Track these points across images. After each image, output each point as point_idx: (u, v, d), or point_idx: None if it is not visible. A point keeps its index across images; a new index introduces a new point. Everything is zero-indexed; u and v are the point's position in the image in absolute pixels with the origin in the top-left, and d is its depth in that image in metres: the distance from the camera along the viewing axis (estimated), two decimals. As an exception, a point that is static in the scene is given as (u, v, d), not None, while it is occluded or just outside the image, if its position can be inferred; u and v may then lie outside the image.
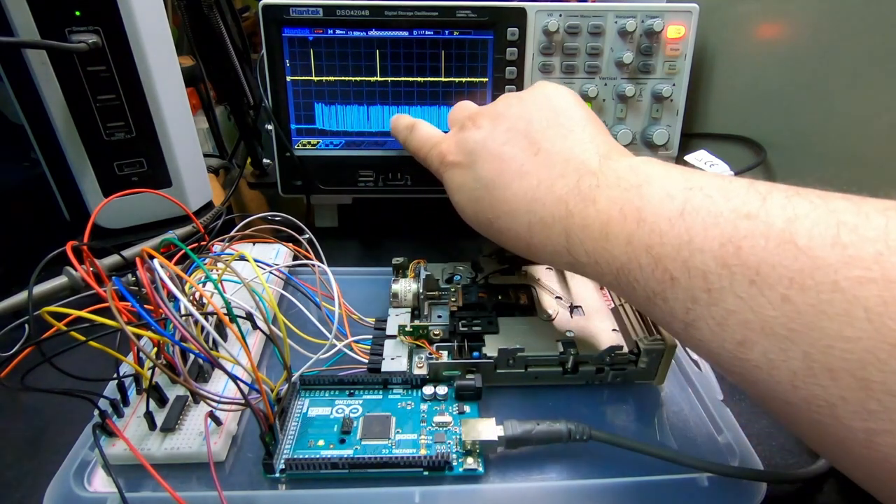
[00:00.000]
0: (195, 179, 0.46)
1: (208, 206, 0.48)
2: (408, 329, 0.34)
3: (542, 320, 0.34)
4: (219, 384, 0.31)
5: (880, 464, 0.16)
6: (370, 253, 0.48)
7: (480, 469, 0.27)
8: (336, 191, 0.47)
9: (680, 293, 0.20)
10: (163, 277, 0.24)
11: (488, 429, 0.27)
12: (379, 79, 0.44)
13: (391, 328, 0.35)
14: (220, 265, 0.35)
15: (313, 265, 0.39)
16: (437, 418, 0.29)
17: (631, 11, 0.44)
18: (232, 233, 0.42)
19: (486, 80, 0.45)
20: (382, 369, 0.32)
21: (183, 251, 0.28)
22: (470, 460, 0.27)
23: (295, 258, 0.43)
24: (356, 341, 0.35)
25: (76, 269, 0.27)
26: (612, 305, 0.36)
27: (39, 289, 0.34)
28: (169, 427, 0.28)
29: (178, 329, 0.24)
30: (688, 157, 0.45)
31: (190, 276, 0.26)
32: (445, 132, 0.36)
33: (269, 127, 0.45)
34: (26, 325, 0.27)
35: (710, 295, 0.19)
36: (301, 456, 0.27)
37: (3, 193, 0.52)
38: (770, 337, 0.18)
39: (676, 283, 0.20)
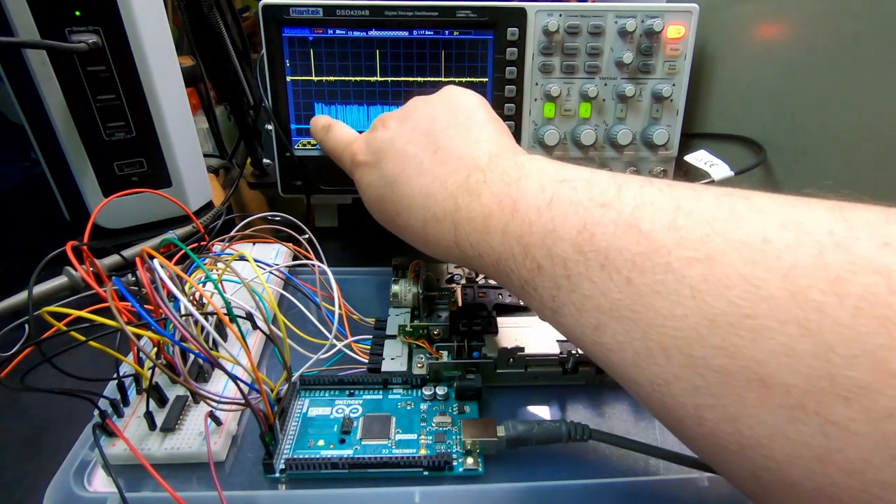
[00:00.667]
0: (195, 179, 0.46)
1: (208, 206, 0.48)
2: (408, 329, 0.34)
3: (542, 320, 0.34)
4: (219, 384, 0.31)
5: (709, 439, 0.17)
6: (370, 253, 0.48)
7: (480, 469, 0.27)
8: (336, 191, 0.47)
9: (546, 281, 0.21)
10: (163, 277, 0.24)
11: (488, 429, 0.27)
12: (379, 79, 0.44)
13: (391, 328, 0.35)
14: (220, 265, 0.35)
15: (313, 265, 0.39)
16: (437, 418, 0.29)
17: (631, 11, 0.44)
18: (232, 233, 0.42)
19: (486, 80, 0.45)
20: (382, 369, 0.32)
21: (183, 251, 0.28)
22: (470, 460, 0.27)
23: (295, 258, 0.43)
24: (356, 341, 0.35)
25: (76, 269, 0.27)
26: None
27: (39, 289, 0.34)
28: (169, 427, 0.28)
29: (178, 329, 0.24)
30: (688, 157, 0.45)
31: (190, 276, 0.26)
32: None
33: (269, 127, 0.45)
34: (26, 325, 0.27)
35: (570, 281, 0.20)
36: (301, 456, 0.27)
37: (3, 193, 0.52)
38: (618, 319, 0.19)
39: (542, 271, 0.21)
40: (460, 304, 0.36)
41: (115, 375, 0.29)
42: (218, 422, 0.28)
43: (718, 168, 0.43)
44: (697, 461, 0.26)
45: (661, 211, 0.19)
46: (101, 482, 0.26)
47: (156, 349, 0.28)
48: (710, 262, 0.17)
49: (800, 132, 0.44)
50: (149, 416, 0.27)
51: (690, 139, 0.53)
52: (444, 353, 0.32)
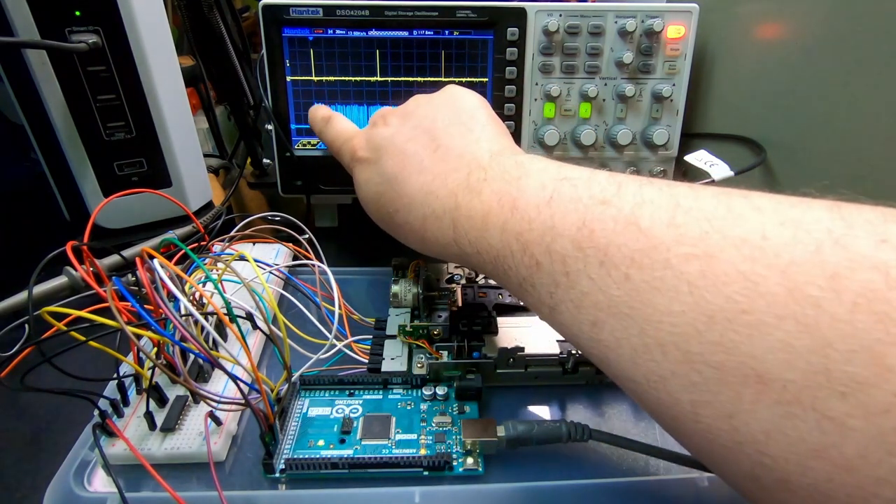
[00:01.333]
0: (195, 179, 0.46)
1: (208, 206, 0.48)
2: (408, 329, 0.34)
3: (542, 320, 0.34)
4: (219, 384, 0.31)
5: (705, 435, 0.17)
6: (370, 253, 0.48)
7: (480, 469, 0.27)
8: (336, 191, 0.47)
9: (544, 277, 0.21)
10: (163, 277, 0.24)
11: (488, 429, 0.27)
12: (379, 79, 0.44)
13: (391, 328, 0.35)
14: (220, 265, 0.35)
15: (313, 265, 0.39)
16: (437, 418, 0.29)
17: (631, 11, 0.44)
18: (232, 233, 0.42)
19: (486, 80, 0.45)
20: (382, 369, 0.32)
21: (183, 251, 0.28)
22: (470, 460, 0.27)
23: (295, 258, 0.43)
24: (356, 341, 0.35)
25: (76, 269, 0.27)
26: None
27: (39, 289, 0.34)
28: (169, 427, 0.28)
29: (178, 329, 0.24)
30: (688, 157, 0.45)
31: (190, 276, 0.26)
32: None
33: (269, 127, 0.45)
34: (26, 325, 0.27)
35: (569, 278, 0.20)
36: (301, 456, 0.27)
37: (3, 193, 0.52)
38: (615, 316, 0.19)
39: (541, 268, 0.21)
40: (460, 304, 0.36)
41: (115, 375, 0.29)
42: (218, 422, 0.28)
43: (718, 168, 0.43)
44: (697, 461, 0.26)
45: (660, 209, 0.19)
46: (101, 482, 0.26)
47: (156, 349, 0.28)
48: (709, 258, 0.17)
49: (800, 132, 0.44)
50: (149, 416, 0.27)
51: (690, 139, 0.53)
52: (444, 353, 0.32)
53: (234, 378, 0.25)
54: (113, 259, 0.37)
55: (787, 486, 0.15)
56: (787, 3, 0.45)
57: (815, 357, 0.14)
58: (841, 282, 0.14)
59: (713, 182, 0.43)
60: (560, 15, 0.43)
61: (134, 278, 0.32)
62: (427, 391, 0.31)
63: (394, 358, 0.33)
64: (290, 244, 0.43)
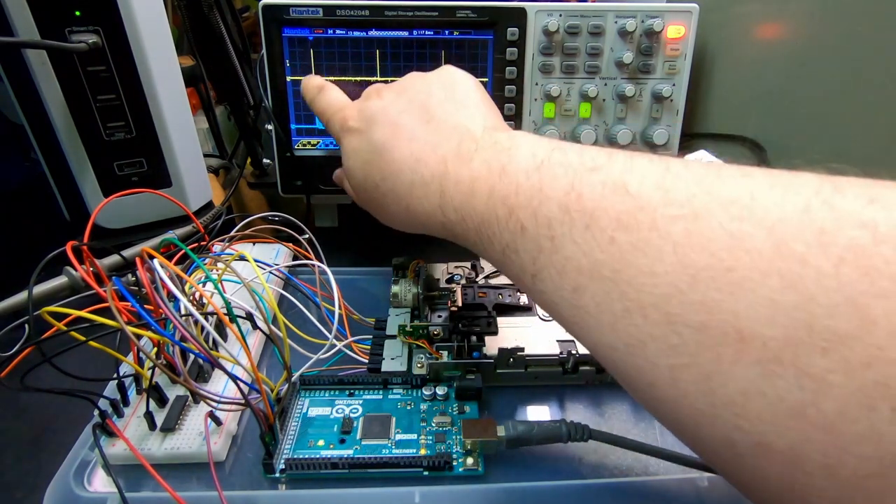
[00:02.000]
0: (195, 179, 0.46)
1: (208, 206, 0.48)
2: (408, 329, 0.34)
3: (541, 320, 0.34)
4: (219, 384, 0.31)
5: (681, 401, 0.17)
6: (370, 253, 0.48)
7: (480, 469, 0.27)
8: (336, 191, 0.47)
9: (529, 243, 0.21)
10: (163, 277, 0.24)
11: (488, 429, 0.27)
12: (379, 79, 0.44)
13: (391, 328, 0.35)
14: (220, 265, 0.35)
15: (313, 265, 0.39)
16: (437, 418, 0.29)
17: (631, 11, 0.44)
18: (232, 233, 0.42)
19: (487, 80, 0.45)
20: (382, 369, 0.32)
21: (183, 251, 0.28)
22: (470, 460, 0.27)
23: (295, 258, 0.43)
24: (356, 341, 0.35)
25: (76, 269, 0.27)
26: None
27: (39, 289, 0.34)
28: (169, 427, 0.28)
29: (178, 329, 0.24)
30: (688, 157, 0.45)
31: (190, 276, 0.26)
32: None
33: (269, 127, 0.45)
34: (26, 325, 0.27)
35: (553, 242, 0.20)
36: (301, 456, 0.27)
37: (3, 193, 0.52)
38: (598, 280, 0.19)
39: (526, 233, 0.21)
40: (460, 304, 0.36)
41: (115, 375, 0.29)
42: (218, 422, 0.28)
43: (718, 168, 0.43)
44: (697, 461, 0.26)
45: (649, 173, 0.19)
46: (101, 482, 0.26)
47: (156, 349, 0.28)
48: (696, 218, 0.17)
49: (800, 132, 0.44)
50: (149, 416, 0.28)
51: (690, 139, 0.53)
52: (444, 353, 0.32)
53: (234, 378, 0.25)
54: (113, 259, 0.37)
55: (765, 450, 0.15)
56: (786, 3, 0.45)
57: (798, 313, 0.14)
58: (828, 236, 0.14)
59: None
60: (560, 15, 0.43)
61: (134, 278, 0.32)
62: (427, 391, 0.31)
63: (394, 358, 0.33)
64: (290, 244, 0.43)
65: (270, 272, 0.39)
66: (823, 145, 0.43)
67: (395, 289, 0.36)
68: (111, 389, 0.30)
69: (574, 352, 0.31)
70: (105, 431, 0.27)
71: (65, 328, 0.24)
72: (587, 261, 0.19)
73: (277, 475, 0.27)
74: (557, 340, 0.32)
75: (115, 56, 0.38)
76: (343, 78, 0.44)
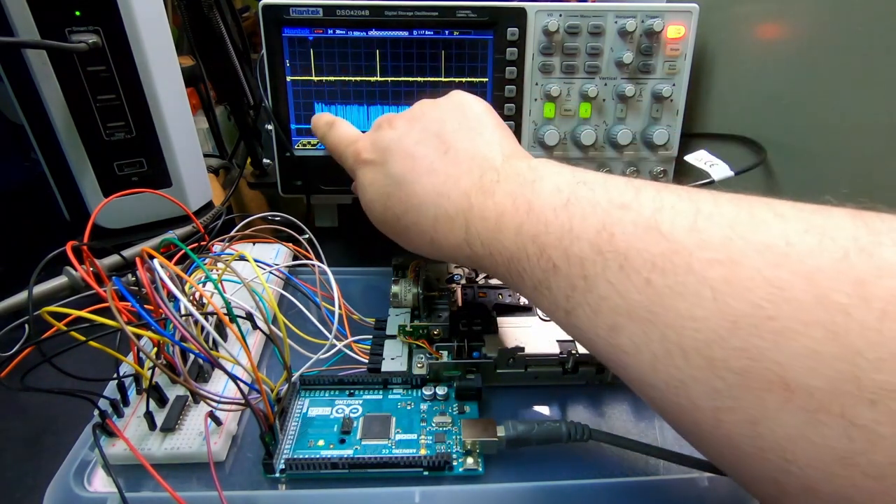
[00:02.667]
0: (195, 179, 0.46)
1: (208, 206, 0.48)
2: (408, 329, 0.34)
3: (541, 320, 0.34)
4: (219, 384, 0.31)
5: (726, 441, 0.17)
6: (370, 253, 0.48)
7: (480, 469, 0.27)
8: (336, 191, 0.47)
9: (561, 281, 0.21)
10: (163, 277, 0.24)
11: (488, 429, 0.27)
12: (379, 79, 0.44)
13: (391, 328, 0.35)
14: (220, 265, 0.35)
15: (313, 265, 0.39)
16: (437, 418, 0.29)
17: (631, 11, 0.44)
18: (232, 233, 0.42)
19: (486, 80, 0.45)
20: (382, 369, 0.32)
21: (183, 251, 0.28)
22: (470, 460, 0.27)
23: (295, 258, 0.43)
24: (356, 341, 0.35)
25: (76, 269, 0.27)
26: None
27: (39, 289, 0.34)
28: (169, 427, 0.28)
29: (178, 329, 0.24)
30: (688, 157, 0.45)
31: (190, 276, 0.26)
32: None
33: (269, 127, 0.45)
34: (26, 325, 0.27)
35: (587, 282, 0.20)
36: (301, 456, 0.27)
37: (3, 193, 0.52)
38: (635, 321, 0.18)
39: (558, 271, 0.21)
40: (460, 304, 0.36)
41: (115, 375, 0.29)
42: (218, 422, 0.28)
43: (718, 168, 0.43)
44: (697, 461, 0.26)
45: (680, 214, 0.19)
46: (101, 482, 0.26)
47: (156, 349, 0.28)
48: (732, 264, 0.17)
49: (800, 132, 0.44)
50: (149, 416, 0.28)
51: (690, 139, 0.53)
52: (444, 353, 0.32)
53: (234, 378, 0.25)
54: (113, 259, 0.37)
55: (811, 492, 0.15)
56: (787, 3, 0.45)
57: (843, 364, 0.14)
58: (868, 289, 0.14)
59: (713, 182, 0.43)
60: (560, 15, 0.43)
61: (134, 278, 0.32)
62: (427, 391, 0.31)
63: (394, 358, 0.33)
64: (290, 244, 0.43)
65: (270, 272, 0.39)
66: (823, 145, 0.43)
67: (395, 289, 0.36)
68: (111, 389, 0.30)
69: (574, 352, 0.31)
70: (105, 431, 0.27)
71: (65, 328, 0.24)
72: (623, 301, 0.19)
73: (277, 475, 0.26)
74: (557, 340, 0.32)
75: (115, 56, 0.38)
76: (343, 78, 0.44)
